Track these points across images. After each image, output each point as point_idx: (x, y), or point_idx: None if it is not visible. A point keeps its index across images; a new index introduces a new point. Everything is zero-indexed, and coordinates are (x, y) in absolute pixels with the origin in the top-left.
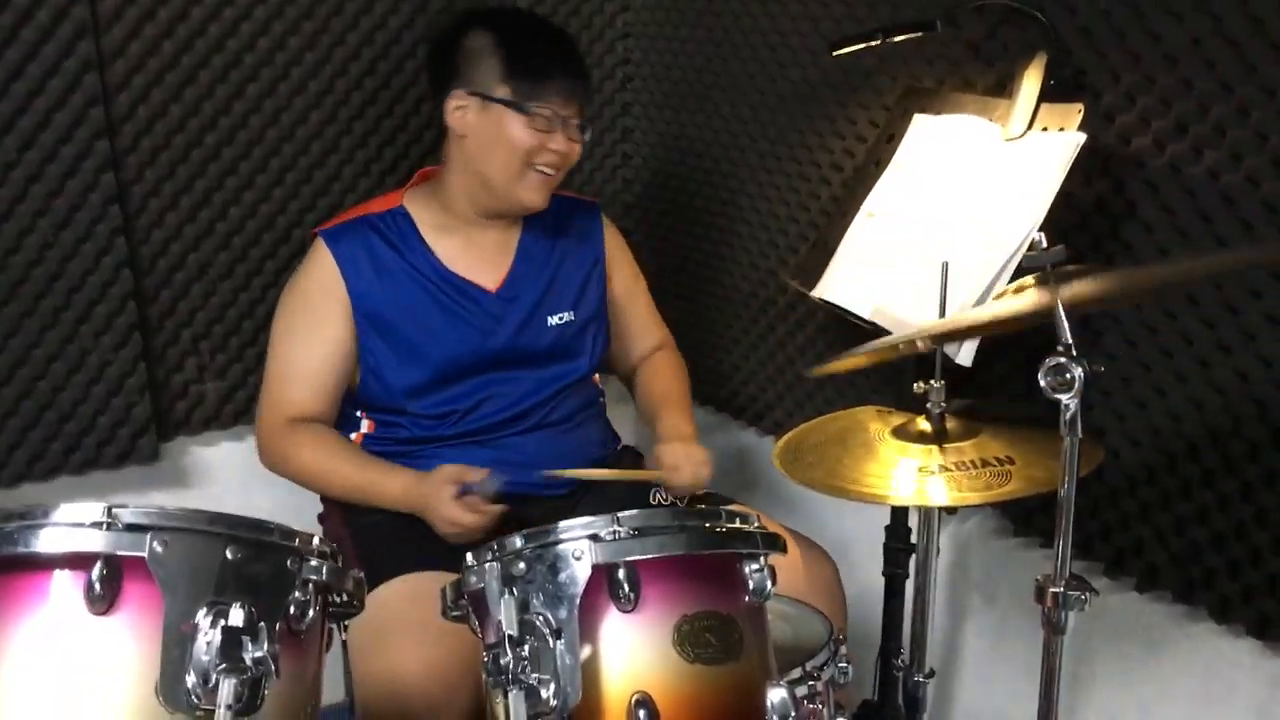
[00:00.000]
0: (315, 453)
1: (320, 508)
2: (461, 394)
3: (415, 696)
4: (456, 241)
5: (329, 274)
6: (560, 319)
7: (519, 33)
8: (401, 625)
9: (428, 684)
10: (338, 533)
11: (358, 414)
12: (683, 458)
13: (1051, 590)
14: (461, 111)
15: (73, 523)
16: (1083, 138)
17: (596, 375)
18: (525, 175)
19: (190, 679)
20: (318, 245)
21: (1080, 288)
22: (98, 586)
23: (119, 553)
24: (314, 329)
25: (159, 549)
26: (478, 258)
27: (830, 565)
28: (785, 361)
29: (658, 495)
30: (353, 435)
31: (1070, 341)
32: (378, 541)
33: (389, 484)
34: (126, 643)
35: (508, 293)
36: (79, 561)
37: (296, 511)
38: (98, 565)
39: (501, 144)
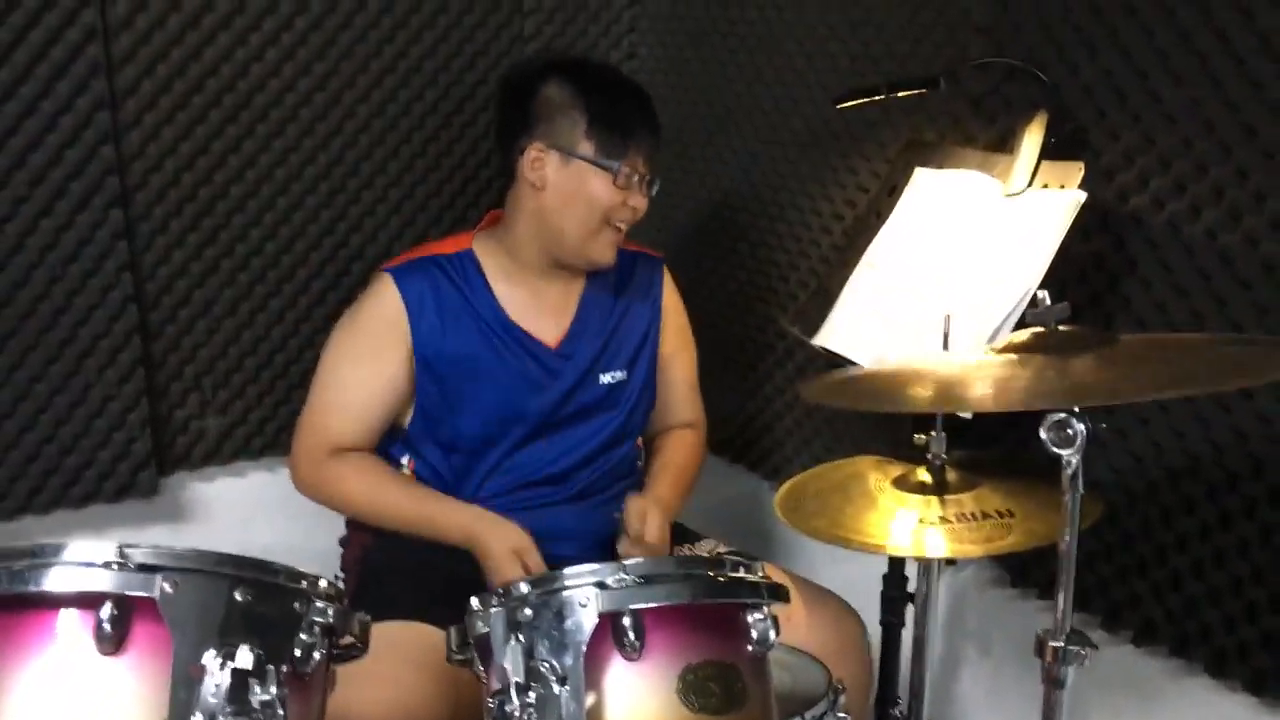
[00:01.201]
0: (362, 485)
1: (335, 536)
2: (506, 449)
3: None
4: (521, 292)
5: (393, 311)
6: (613, 377)
7: (601, 87)
8: (362, 668)
9: None
10: (349, 565)
11: (402, 458)
12: (643, 516)
13: (1052, 645)
14: (539, 163)
15: (83, 562)
16: (1083, 195)
17: (640, 441)
18: (601, 232)
19: None
20: (384, 280)
21: (1093, 375)
22: (107, 626)
23: (129, 593)
24: (371, 362)
25: (169, 589)
26: (541, 309)
27: (856, 621)
28: (785, 407)
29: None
30: None
31: None
32: (376, 583)
33: (450, 520)
34: (134, 684)
35: (566, 349)
36: (88, 601)
37: (296, 547)
38: (107, 605)
39: (582, 200)
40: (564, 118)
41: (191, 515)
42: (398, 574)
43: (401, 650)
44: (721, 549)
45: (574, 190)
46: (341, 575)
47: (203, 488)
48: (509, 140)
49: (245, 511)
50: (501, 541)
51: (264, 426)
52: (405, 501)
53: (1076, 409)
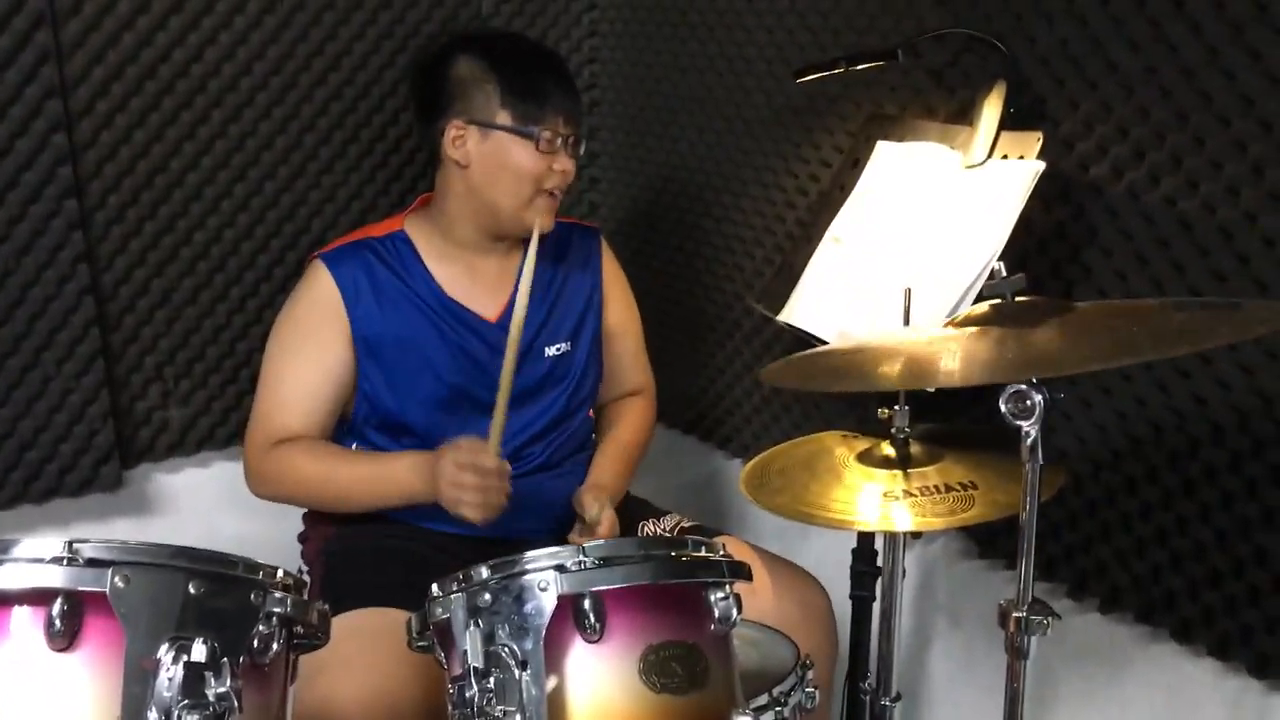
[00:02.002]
0: (311, 458)
1: (301, 527)
2: (455, 425)
3: None
4: (457, 269)
5: (329, 297)
6: (558, 349)
7: (511, 56)
8: (340, 659)
9: (355, 715)
10: (312, 557)
11: (350, 444)
12: (582, 502)
13: (1014, 615)
14: (460, 141)
15: (32, 558)
16: (1042, 165)
17: (590, 412)
18: (535, 200)
19: (152, 716)
20: (317, 268)
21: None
22: (58, 623)
23: (80, 588)
24: (311, 352)
25: (120, 584)
26: (478, 285)
27: (821, 593)
28: (752, 385)
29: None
30: None
31: None
32: (343, 572)
33: (398, 462)
34: (87, 680)
35: (507, 322)
36: (39, 597)
37: (262, 538)
38: (58, 601)
39: (508, 171)
40: (478, 91)
41: (157, 507)
42: (363, 561)
43: (375, 637)
44: (686, 523)
45: (499, 162)
46: (305, 568)
47: (168, 479)
48: (428, 122)
49: (212, 502)
50: (445, 447)
51: (228, 416)
52: (355, 465)
53: (1034, 380)
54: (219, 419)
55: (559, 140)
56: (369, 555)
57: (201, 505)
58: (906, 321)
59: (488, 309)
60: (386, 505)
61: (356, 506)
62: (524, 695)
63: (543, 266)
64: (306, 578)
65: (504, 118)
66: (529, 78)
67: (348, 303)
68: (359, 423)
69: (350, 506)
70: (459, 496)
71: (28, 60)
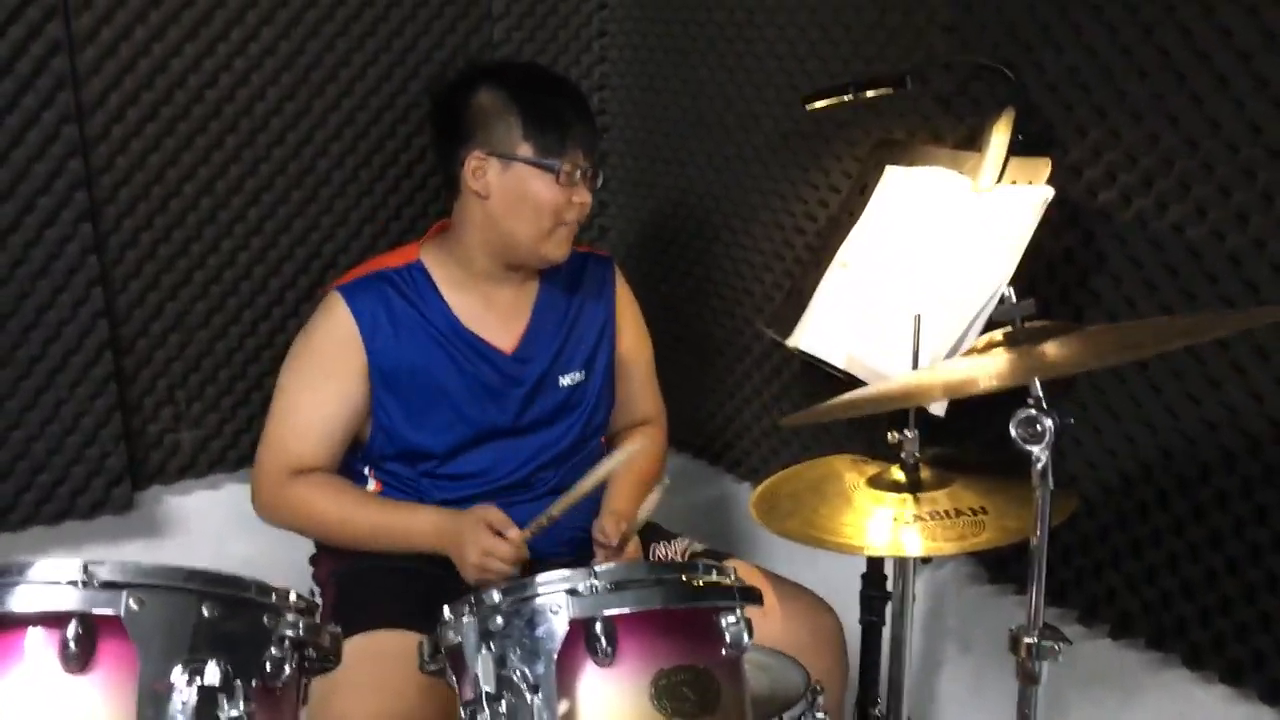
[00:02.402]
0: (332, 500)
1: (311, 549)
2: (472, 456)
3: None
4: (474, 299)
5: (346, 331)
6: (572, 379)
7: (532, 88)
8: (353, 681)
9: None
10: (323, 579)
11: (365, 471)
12: (601, 527)
13: (1025, 641)
14: (481, 172)
15: (48, 580)
16: (1051, 192)
17: (604, 440)
18: (554, 232)
19: None
20: (334, 300)
21: (1051, 351)
22: (73, 645)
23: (94, 611)
24: (327, 383)
25: (135, 607)
26: (494, 316)
27: (832, 617)
28: (761, 408)
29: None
30: None
31: (1041, 394)
32: (356, 594)
33: (420, 520)
34: (101, 702)
35: (522, 354)
36: (54, 620)
37: (272, 560)
38: (73, 624)
39: (528, 203)
40: (499, 122)
41: (168, 530)
42: (375, 584)
43: (387, 659)
44: (697, 547)
45: (519, 194)
46: (317, 589)
47: (178, 501)
48: (448, 153)
49: (222, 525)
50: (471, 521)
51: (239, 439)
52: (373, 513)
53: (1045, 404)
54: (230, 442)
55: (578, 173)
56: (381, 577)
57: (212, 527)
58: (916, 346)
59: (503, 340)
60: (401, 553)
61: (369, 549)
62: (536, 719)
63: (557, 296)
64: (318, 600)
65: (525, 150)
66: (550, 110)
67: (365, 336)
68: (375, 454)
69: (363, 548)
70: (475, 573)
71: (45, 85)
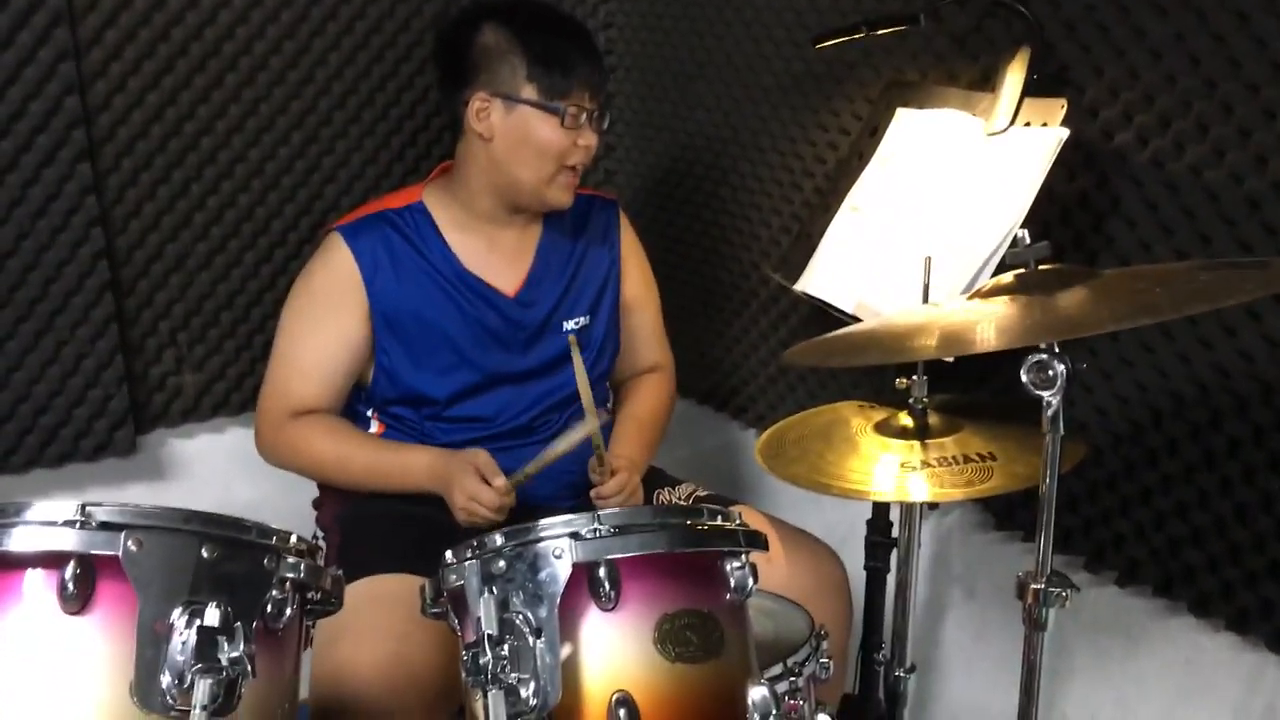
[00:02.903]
0: (330, 439)
1: (315, 493)
2: (475, 400)
3: (360, 692)
4: (476, 241)
5: (347, 271)
6: (576, 323)
7: (538, 28)
8: (358, 625)
9: (372, 681)
10: (327, 523)
11: (368, 413)
12: (618, 484)
13: (1033, 587)
14: (485, 113)
15: (45, 521)
16: (1065, 133)
17: (607, 384)
18: (558, 176)
19: (165, 679)
20: (335, 241)
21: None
22: (71, 586)
23: (92, 552)
24: (328, 324)
25: (133, 548)
26: (497, 259)
27: (837, 563)
28: (768, 354)
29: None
30: None
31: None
32: (360, 538)
33: (414, 459)
34: (100, 643)
35: (526, 297)
36: (52, 561)
37: (277, 504)
38: (71, 564)
39: (531, 146)
40: (503, 63)
41: (171, 473)
42: (379, 527)
43: (392, 603)
44: (701, 492)
45: (522, 137)
46: (320, 534)
47: (182, 445)
48: (452, 92)
49: (226, 468)
50: (462, 463)
51: (242, 382)
52: (369, 452)
53: (1056, 348)
54: (233, 384)
55: (584, 116)
56: (385, 521)
57: (216, 471)
58: (926, 292)
59: (506, 283)
60: (396, 492)
61: (367, 489)
62: (538, 663)
63: (562, 239)
64: (322, 544)
65: (529, 92)
66: (556, 51)
67: (366, 277)
68: (377, 397)
69: (361, 489)
70: (462, 515)
71: (41, 20)
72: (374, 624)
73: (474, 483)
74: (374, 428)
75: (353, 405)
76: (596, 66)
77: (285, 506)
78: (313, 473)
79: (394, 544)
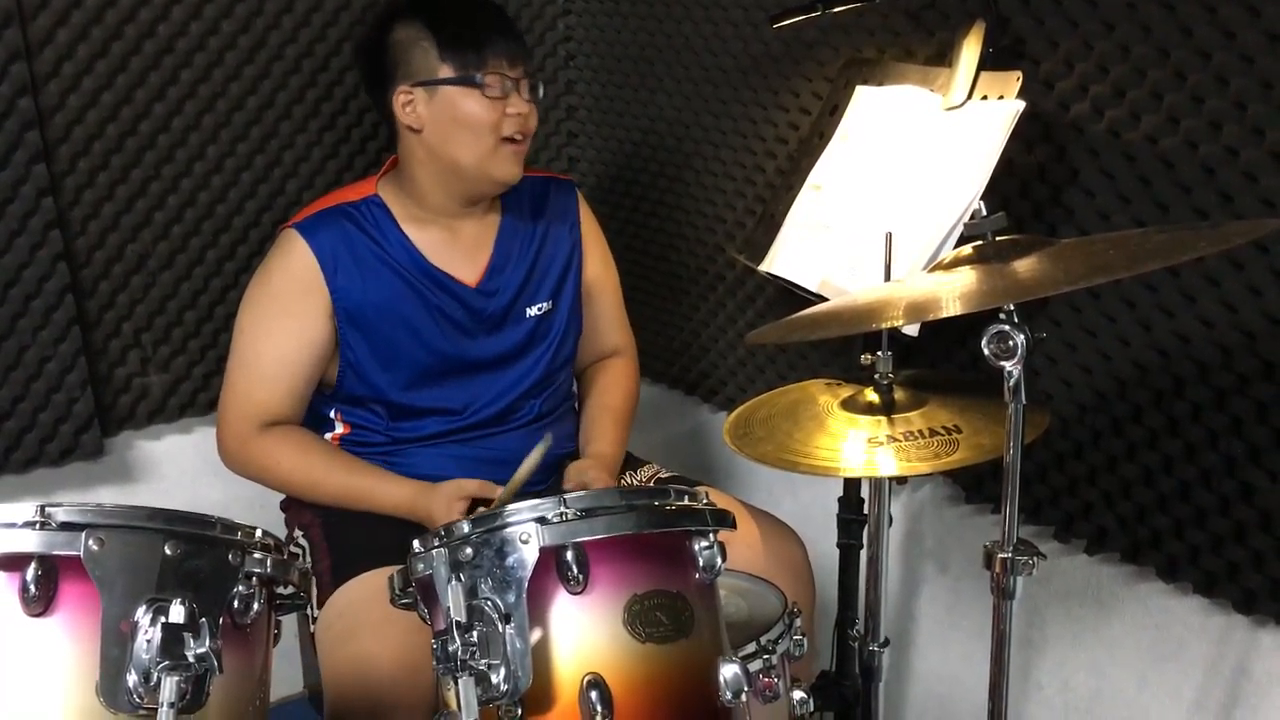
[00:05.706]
0: (299, 461)
1: (280, 497)
2: (442, 393)
3: (383, 686)
4: (435, 233)
5: (306, 270)
6: (540, 309)
7: (443, 10)
8: (371, 617)
9: (395, 674)
10: (305, 520)
11: (331, 414)
12: (588, 480)
13: (1000, 556)
14: (410, 105)
15: (5, 523)
16: (1022, 105)
17: (573, 375)
18: (497, 150)
19: (131, 678)
20: (292, 238)
21: (1024, 270)
22: (32, 588)
23: (53, 552)
24: (290, 326)
25: (94, 547)
26: (457, 249)
27: (798, 544)
28: (736, 337)
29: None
30: (328, 436)
31: (1012, 309)
32: (348, 531)
33: (389, 493)
34: (65, 644)
35: (489, 286)
36: (13, 563)
37: (248, 504)
38: (32, 566)
39: (460, 124)
40: (416, 51)
41: (140, 475)
42: (368, 521)
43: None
44: (663, 474)
45: (450, 117)
46: (299, 532)
47: (150, 446)
48: (378, 95)
49: (195, 469)
50: (444, 500)
51: (209, 382)
52: (342, 477)
53: (1016, 319)
54: (200, 384)
55: (508, 84)
56: (370, 515)
57: (185, 471)
58: (888, 264)
59: (467, 273)
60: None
61: (336, 507)
62: (508, 648)
63: (522, 223)
64: (302, 541)
65: (445, 71)
66: (463, 27)
67: (327, 275)
68: (343, 395)
69: (330, 505)
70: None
71: None
72: (389, 615)
73: (461, 514)
74: (339, 429)
75: (315, 408)
76: (510, 35)
77: (255, 506)
78: (280, 490)
79: (385, 535)
